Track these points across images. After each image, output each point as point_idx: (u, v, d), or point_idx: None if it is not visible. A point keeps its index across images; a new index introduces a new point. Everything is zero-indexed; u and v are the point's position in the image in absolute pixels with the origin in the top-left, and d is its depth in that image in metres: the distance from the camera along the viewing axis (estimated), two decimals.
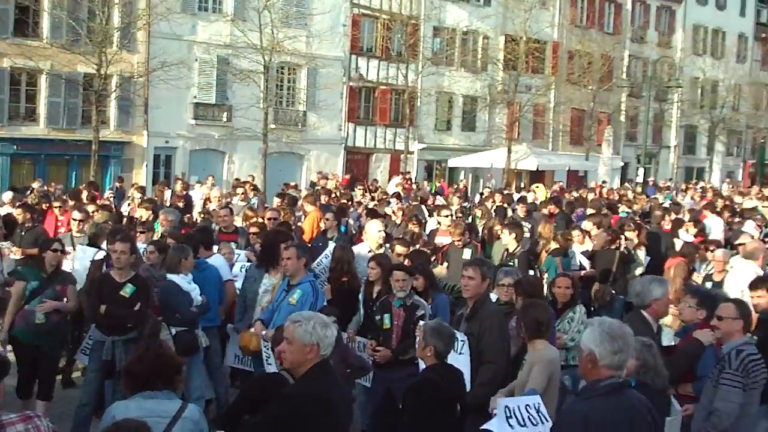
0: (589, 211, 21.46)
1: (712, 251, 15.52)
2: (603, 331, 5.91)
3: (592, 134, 57.51)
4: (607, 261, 16.64)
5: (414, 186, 36.05)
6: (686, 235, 19.47)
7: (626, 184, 49.82)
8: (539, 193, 33.86)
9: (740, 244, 15.61)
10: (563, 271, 14.45)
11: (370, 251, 13.68)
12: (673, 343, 12.28)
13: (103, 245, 12.81)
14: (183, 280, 11.16)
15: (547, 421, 7.41)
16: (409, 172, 44.84)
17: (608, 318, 6.28)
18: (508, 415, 7.29)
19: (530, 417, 7.44)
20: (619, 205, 26.46)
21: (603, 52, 58.24)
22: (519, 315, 9.01)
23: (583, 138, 58.12)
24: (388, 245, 14.06)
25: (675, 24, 68.38)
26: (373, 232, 14.26)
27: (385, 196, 26.29)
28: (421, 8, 50.51)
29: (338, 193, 27.06)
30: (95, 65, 35.78)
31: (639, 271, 17.05)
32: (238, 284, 12.52)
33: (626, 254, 16.96)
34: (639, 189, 40.39)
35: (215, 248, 13.64)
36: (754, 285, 10.17)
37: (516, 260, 15.38)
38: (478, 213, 20.77)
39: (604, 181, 47.71)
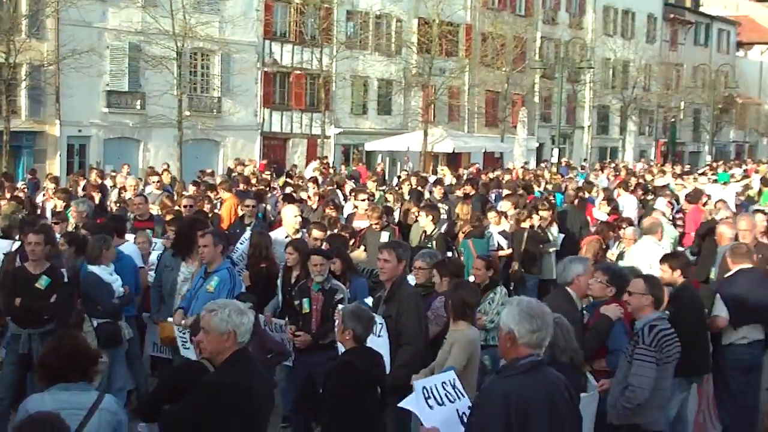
0: (505, 192, 21.64)
1: (623, 229, 15.77)
2: (521, 310, 5.95)
3: (506, 116, 57.88)
4: (519, 240, 16.90)
5: (331, 170, 35.97)
6: (600, 213, 19.76)
7: (542, 165, 50.31)
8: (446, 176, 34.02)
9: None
10: (480, 253, 14.57)
11: (287, 236, 13.66)
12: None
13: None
14: (104, 271, 11.02)
15: (464, 396, 7.47)
16: (326, 157, 44.84)
17: (527, 297, 6.35)
18: (426, 395, 7.32)
19: (447, 394, 7.47)
20: (535, 185, 26.75)
21: (516, 34, 58.75)
22: (448, 294, 9.09)
23: (498, 120, 58.53)
24: (305, 230, 14.03)
25: (586, 5, 69.17)
26: (290, 218, 14.24)
27: (302, 181, 26.20)
28: None
29: (257, 179, 26.89)
30: (3, 54, 35.17)
31: (553, 249, 17.31)
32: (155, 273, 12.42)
33: (538, 233, 17.17)
34: (554, 169, 40.82)
35: (131, 237, 13.50)
36: (661, 260, 10.40)
37: (434, 242, 15.43)
38: (389, 198, 20.74)
39: (526, 162, 48.25)
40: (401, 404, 7.42)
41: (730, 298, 10.61)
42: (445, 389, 7.51)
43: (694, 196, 20.84)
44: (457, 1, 55.85)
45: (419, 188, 23.15)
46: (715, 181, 31.38)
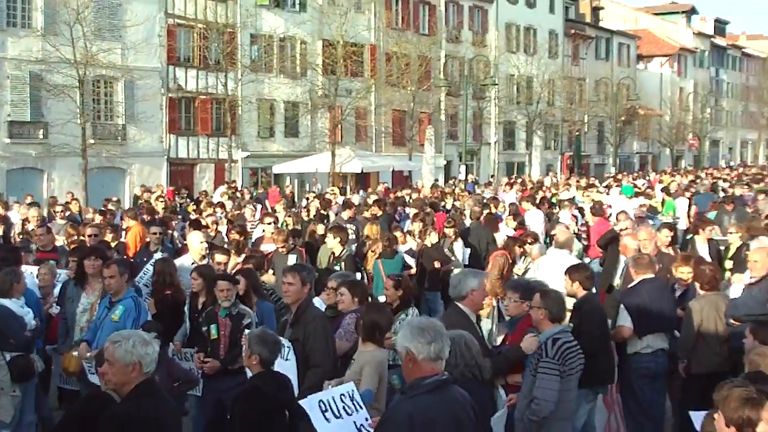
0: (412, 210, 21.77)
1: (530, 244, 15.98)
2: (412, 327, 6.02)
3: (414, 134, 58.17)
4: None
5: (239, 195, 35.80)
6: (507, 228, 19.99)
7: (450, 182, 50.69)
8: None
9: (555, 234, 16.11)
10: (391, 273, 14.65)
11: (193, 263, 13.57)
12: (496, 333, 12.68)
13: None
14: (15, 305, 10.82)
15: (362, 408, 7.51)
16: (234, 181, 44.61)
17: (416, 316, 6.42)
18: (324, 408, 7.35)
19: (345, 407, 7.50)
20: (442, 202, 26.95)
21: (420, 53, 59.14)
22: (361, 315, 9.11)
23: (405, 138, 58.73)
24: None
25: (488, 23, 69.93)
26: (195, 244, 14.16)
27: (212, 207, 25.99)
28: (236, 16, 50.28)
29: (164, 206, 26.64)
30: None
31: (461, 264, 17.42)
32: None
33: (435, 251, 17.30)
34: (462, 186, 41.14)
35: (27, 268, 13.27)
36: (565, 273, 10.57)
37: (342, 263, 15.49)
38: (289, 220, 20.70)
39: (436, 180, 48.52)
40: (300, 402, 7.48)
41: (634, 308, 10.81)
42: (343, 402, 7.54)
43: (598, 209, 21.20)
44: (360, 21, 56.21)
45: (323, 211, 23.24)
46: (620, 193, 31.92)
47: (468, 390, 6.93)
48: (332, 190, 35.41)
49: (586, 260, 17.95)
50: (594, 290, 11.00)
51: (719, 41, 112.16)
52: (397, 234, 17.76)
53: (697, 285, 11.35)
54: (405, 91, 57.42)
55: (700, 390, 9.33)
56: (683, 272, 11.88)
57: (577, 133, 77.06)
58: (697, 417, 7.29)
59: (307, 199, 32.07)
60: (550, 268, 13.64)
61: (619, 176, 53.36)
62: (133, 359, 6.41)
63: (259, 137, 52.76)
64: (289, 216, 21.53)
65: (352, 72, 55.07)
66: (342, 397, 7.55)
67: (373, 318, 8.76)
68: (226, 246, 15.27)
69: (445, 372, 6.03)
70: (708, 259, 14.89)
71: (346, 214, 21.35)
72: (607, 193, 32.04)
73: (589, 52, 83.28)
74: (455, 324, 8.31)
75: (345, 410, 7.47)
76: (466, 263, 17.51)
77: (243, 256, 14.38)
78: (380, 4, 58.94)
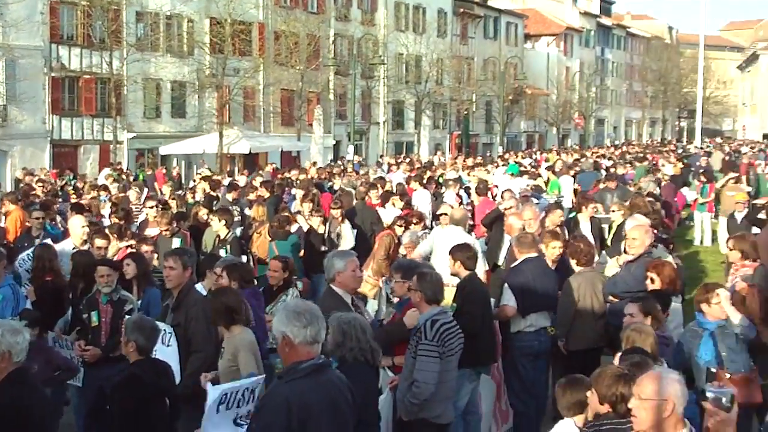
0: (299, 192, 21.65)
1: (415, 224, 16.06)
2: (288, 311, 5.99)
3: (302, 114, 58.03)
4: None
5: (124, 177, 35.22)
6: (393, 209, 20.03)
7: (338, 162, 50.69)
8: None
9: (442, 214, 16.20)
10: (278, 255, 14.60)
11: (74, 247, 13.32)
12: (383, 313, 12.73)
13: None
14: None
15: (252, 402, 7.49)
16: (119, 163, 43.94)
17: (292, 300, 6.40)
18: (222, 401, 7.32)
19: (239, 401, 7.49)
20: (330, 182, 26.92)
21: (309, 32, 58.93)
22: (211, 302, 9.03)
23: (294, 118, 58.53)
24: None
25: (377, 2, 69.93)
26: (77, 228, 13.92)
27: (95, 189, 25.47)
28: None
29: (47, 189, 26.03)
30: None
31: (349, 245, 17.38)
32: None
33: (313, 233, 17.29)
34: (350, 166, 41.16)
35: None
36: (450, 252, 10.62)
37: (228, 246, 15.36)
38: (172, 203, 20.44)
39: (332, 160, 48.39)
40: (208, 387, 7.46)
41: (518, 287, 10.90)
42: (244, 396, 7.53)
43: (483, 188, 21.37)
44: None
45: (212, 192, 23.01)
46: (504, 172, 32.29)
47: (358, 373, 7.00)
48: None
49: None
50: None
51: (605, 21, 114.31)
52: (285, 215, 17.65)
53: (573, 261, 11.55)
54: (294, 71, 57.19)
55: (579, 366, 9.48)
56: (554, 247, 12.02)
57: (466, 113, 77.70)
58: None
59: (194, 180, 31.78)
60: (443, 245, 13.74)
61: (506, 155, 54.06)
62: (2, 349, 6.33)
63: (145, 118, 52.02)
64: (173, 198, 21.24)
65: (240, 51, 54.61)
66: (245, 391, 7.53)
67: (223, 302, 8.67)
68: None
69: (321, 355, 6.03)
70: (590, 237, 15.18)
71: (230, 196, 21.18)
72: (491, 173, 32.24)
73: (478, 31, 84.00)
74: (329, 306, 8.30)
75: (238, 403, 7.44)
76: (353, 244, 17.52)
77: (125, 240, 14.14)
78: None
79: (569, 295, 11.01)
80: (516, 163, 40.58)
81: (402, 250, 15.15)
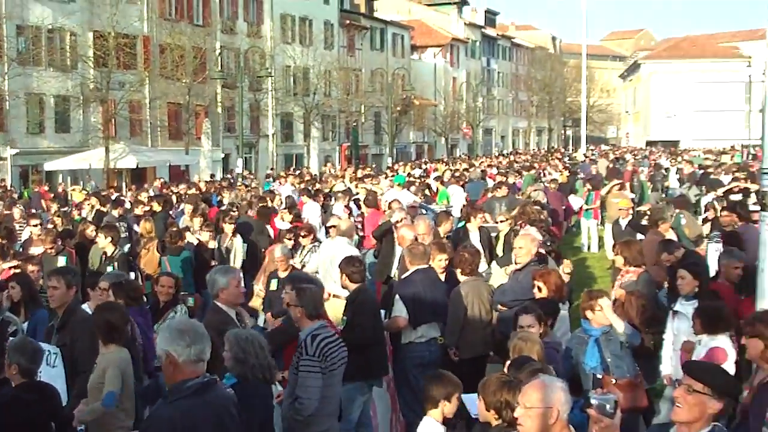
0: (187, 207, 21.40)
1: (304, 237, 16.03)
2: (172, 330, 5.92)
3: (190, 128, 57.52)
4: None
5: (10, 194, 34.41)
6: (282, 222, 19.95)
7: (227, 175, 50.39)
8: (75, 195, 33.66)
9: (332, 226, 16.18)
10: (174, 271, 14.45)
11: None
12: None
13: None
14: None
15: None
16: (3, 180, 42.94)
17: (177, 317, 6.31)
18: None
19: None
20: (219, 197, 26.69)
21: (194, 45, 58.43)
22: (93, 317, 8.86)
23: (181, 132, 57.96)
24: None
25: (263, 14, 69.71)
26: None
27: None
28: (1, 6, 48.26)
29: None
30: None
31: (240, 259, 17.28)
32: None
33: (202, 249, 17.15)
34: (240, 180, 40.91)
35: None
36: (339, 266, 10.63)
37: (115, 263, 15.09)
38: (58, 220, 20.03)
39: (212, 174, 47.97)
40: None
41: (409, 298, 10.95)
42: None
43: (372, 200, 21.42)
44: (132, 12, 54.90)
45: (102, 208, 22.61)
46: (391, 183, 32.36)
47: (254, 390, 7.02)
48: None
49: (363, 251, 18.08)
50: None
51: (490, 32, 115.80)
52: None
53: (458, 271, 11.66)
54: (180, 84, 56.61)
55: (470, 374, 9.53)
56: (440, 260, 12.11)
57: (354, 124, 77.80)
58: (467, 399, 7.52)
59: (71, 196, 31.22)
60: (330, 257, 13.72)
61: (396, 165, 54.30)
62: None
63: (28, 133, 50.80)
64: (58, 216, 20.79)
65: (125, 64, 53.72)
66: None
67: (106, 318, 8.49)
68: None
69: (207, 373, 5.94)
70: (479, 246, 15.32)
71: (116, 212, 20.83)
72: (378, 183, 32.27)
73: (365, 42, 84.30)
74: (214, 322, 8.29)
75: None
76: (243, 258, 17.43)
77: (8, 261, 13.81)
78: None
79: (458, 303, 11.13)
80: (408, 174, 40.68)
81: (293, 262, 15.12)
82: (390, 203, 19.99)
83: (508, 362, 7.65)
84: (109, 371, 8.15)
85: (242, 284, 9.59)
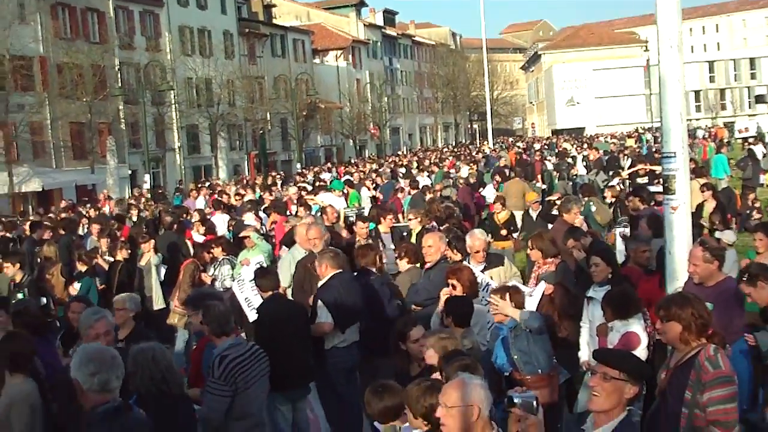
0: (94, 227, 21.05)
1: (215, 248, 15.96)
2: (81, 357, 5.84)
3: (94, 146, 56.89)
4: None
5: None
6: (198, 235, 19.76)
7: (134, 191, 49.79)
8: None
9: (245, 237, 16.06)
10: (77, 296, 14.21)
11: None
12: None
13: None
14: None
15: None
16: None
17: (93, 343, 6.20)
18: None
19: None
20: (127, 215, 26.34)
21: (93, 62, 57.52)
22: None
23: (86, 151, 57.19)
24: None
25: (160, 27, 69.09)
26: None
27: None
28: None
29: None
30: None
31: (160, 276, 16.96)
32: None
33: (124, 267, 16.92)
34: (148, 195, 40.47)
35: None
36: None
37: (26, 290, 14.82)
38: None
39: (139, 190, 47.34)
40: None
41: (332, 303, 10.89)
42: None
43: (281, 207, 21.33)
44: (26, 33, 53.82)
45: (8, 234, 22.20)
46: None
47: (156, 405, 6.82)
48: None
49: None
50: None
51: (390, 31, 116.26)
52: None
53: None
54: (81, 103, 55.74)
55: (388, 374, 9.54)
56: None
57: (261, 132, 77.50)
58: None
59: None
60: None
61: (305, 171, 54.20)
62: None
63: None
64: None
65: (23, 86, 52.79)
66: None
67: (11, 348, 8.10)
68: None
69: (118, 398, 5.84)
70: (391, 246, 15.35)
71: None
72: (286, 190, 32.08)
73: (266, 50, 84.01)
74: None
75: None
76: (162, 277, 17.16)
77: None
78: (45, 13, 56.67)
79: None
80: (316, 179, 40.58)
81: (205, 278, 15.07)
82: (324, 209, 19.77)
83: (442, 356, 7.56)
84: (16, 409, 7.72)
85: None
